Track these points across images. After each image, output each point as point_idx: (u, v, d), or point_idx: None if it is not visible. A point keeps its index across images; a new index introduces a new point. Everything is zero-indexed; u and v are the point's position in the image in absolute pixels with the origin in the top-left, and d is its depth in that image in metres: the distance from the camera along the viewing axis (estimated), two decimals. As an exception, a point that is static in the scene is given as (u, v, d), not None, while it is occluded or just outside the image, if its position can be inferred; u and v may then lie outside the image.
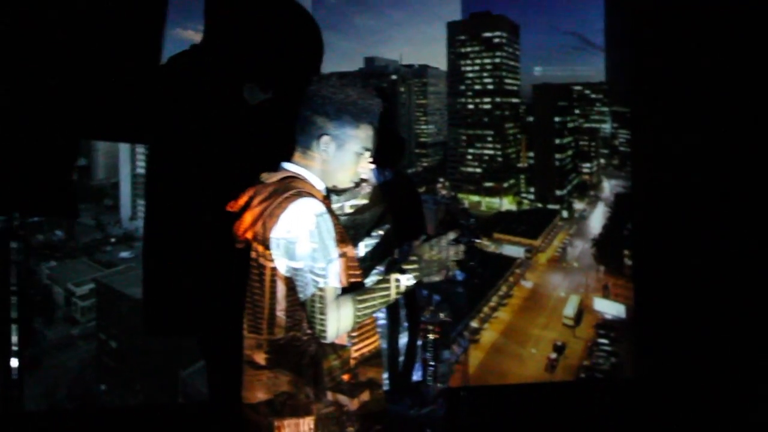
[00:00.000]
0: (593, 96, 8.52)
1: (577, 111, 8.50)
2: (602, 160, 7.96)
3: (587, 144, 8.36)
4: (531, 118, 8.63)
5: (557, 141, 8.40)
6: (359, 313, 1.65)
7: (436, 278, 1.78)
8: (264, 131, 2.51)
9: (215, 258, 2.43)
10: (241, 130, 2.96)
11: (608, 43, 7.23)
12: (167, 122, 2.96)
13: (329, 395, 1.70)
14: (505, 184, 8.83)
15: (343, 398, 1.71)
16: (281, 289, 1.67)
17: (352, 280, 1.73)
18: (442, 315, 1.90)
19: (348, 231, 1.88)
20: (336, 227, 1.69)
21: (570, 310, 7.36)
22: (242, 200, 1.73)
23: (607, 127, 7.93)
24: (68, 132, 2.99)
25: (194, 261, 3.03)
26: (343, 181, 1.78)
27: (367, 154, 1.82)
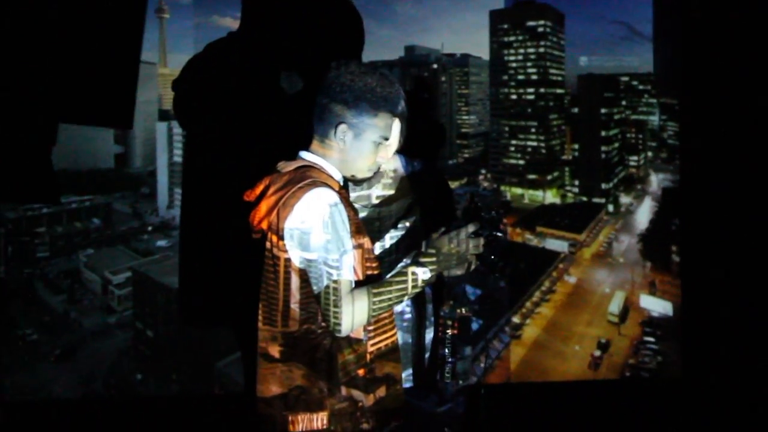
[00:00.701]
0: (641, 87, 8.32)
1: (623, 102, 8.30)
2: (650, 153, 7.77)
3: (634, 136, 8.16)
4: (576, 110, 8.46)
5: (603, 133, 8.22)
6: (375, 307, 1.62)
7: (458, 272, 1.73)
8: (302, 120, 2.48)
9: (252, 248, 2.41)
10: (279, 119, 2.94)
11: (656, 32, 7.03)
12: (204, 110, 2.95)
13: (343, 390, 1.67)
14: (549, 177, 8.68)
15: (357, 393, 1.68)
16: (295, 280, 1.65)
17: (369, 272, 1.69)
18: (463, 310, 1.83)
19: (374, 223, 1.85)
20: (352, 218, 1.67)
21: (615, 306, 7.20)
22: (258, 189, 1.71)
23: (655, 119, 7.73)
24: (45, 116, 2.99)
25: (231, 251, 3.01)
26: (361, 170, 1.76)
27: (386, 143, 1.79)
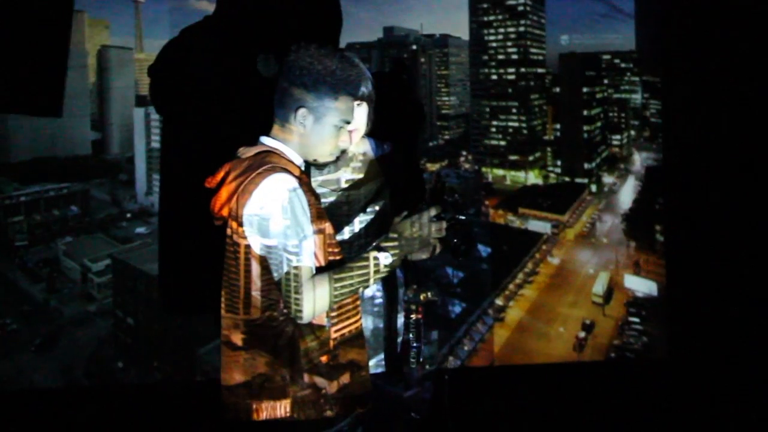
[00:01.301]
0: (623, 65, 8.27)
1: (606, 81, 8.27)
2: (632, 132, 7.74)
3: (617, 115, 8.13)
4: (557, 89, 8.42)
5: (585, 112, 8.19)
6: (336, 293, 1.64)
7: (422, 256, 1.79)
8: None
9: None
10: (255, 102, 2.88)
11: (639, 9, 6.97)
12: (180, 95, 2.89)
13: (306, 377, 1.71)
14: (531, 158, 8.65)
15: (320, 380, 1.71)
16: (255, 267, 1.68)
17: (331, 258, 1.72)
18: (429, 294, 1.84)
19: (342, 206, 1.91)
20: (312, 203, 1.70)
21: (599, 287, 7.21)
22: (219, 176, 1.74)
23: (637, 97, 7.69)
24: None
25: (210, 238, 2.95)
26: (323, 154, 1.79)
27: (348, 126, 1.80)
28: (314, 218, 1.68)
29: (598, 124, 8.84)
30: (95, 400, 4.32)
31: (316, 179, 1.92)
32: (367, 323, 1.96)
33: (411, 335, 1.86)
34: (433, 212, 1.72)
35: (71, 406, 4.17)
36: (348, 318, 1.77)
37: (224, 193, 1.69)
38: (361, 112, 1.93)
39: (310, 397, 1.71)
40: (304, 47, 1.79)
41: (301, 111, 1.73)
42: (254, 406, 1.71)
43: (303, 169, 1.80)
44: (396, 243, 1.70)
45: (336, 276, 1.64)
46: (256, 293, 1.68)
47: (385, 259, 1.67)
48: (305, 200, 1.66)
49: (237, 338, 1.71)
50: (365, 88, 1.80)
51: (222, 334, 1.77)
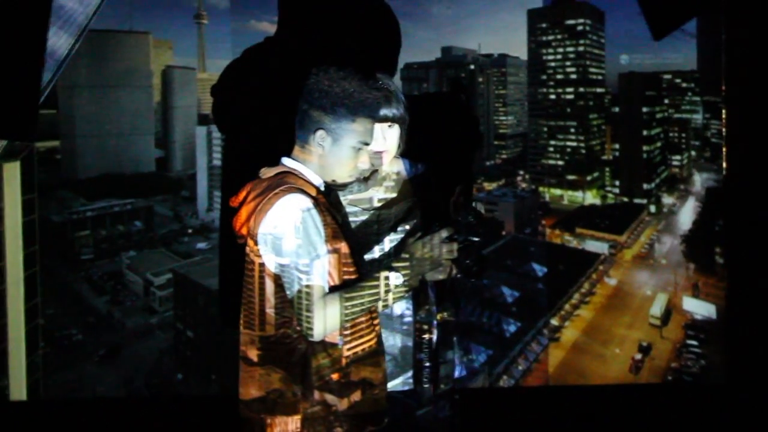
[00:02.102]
0: (684, 85, 8.17)
1: (666, 101, 8.17)
2: (693, 153, 7.62)
3: (677, 135, 8.01)
4: (616, 109, 8.33)
5: (645, 132, 8.09)
6: (347, 312, 1.65)
7: (439, 276, 1.77)
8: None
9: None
10: None
11: (700, 28, 6.89)
12: (242, 114, 2.97)
13: (316, 394, 1.70)
14: (589, 177, 8.57)
15: (330, 398, 1.71)
16: (270, 285, 1.70)
17: (346, 277, 1.72)
18: (445, 314, 1.85)
19: (372, 225, 1.91)
20: (329, 223, 1.70)
21: (657, 309, 7.09)
22: (241, 195, 1.78)
23: (698, 117, 7.58)
24: None
25: None
26: (342, 176, 1.79)
27: (366, 147, 1.81)
28: (329, 238, 1.69)
29: (658, 144, 8.72)
30: (155, 411, 4.41)
31: (346, 198, 1.96)
32: (396, 341, 1.99)
33: (423, 355, 1.87)
34: (444, 233, 1.72)
35: (132, 416, 4.27)
36: (362, 336, 1.76)
37: (244, 212, 1.73)
38: (392, 134, 1.96)
39: (320, 414, 1.72)
40: (323, 70, 1.81)
41: (320, 132, 1.74)
42: (268, 421, 1.72)
43: (322, 189, 1.81)
44: (407, 263, 1.71)
45: (347, 295, 1.65)
46: (270, 310, 1.70)
47: (395, 278, 1.68)
48: (319, 220, 1.68)
49: (253, 354, 1.73)
50: (390, 111, 1.82)
51: (240, 350, 1.77)
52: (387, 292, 1.68)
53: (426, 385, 1.89)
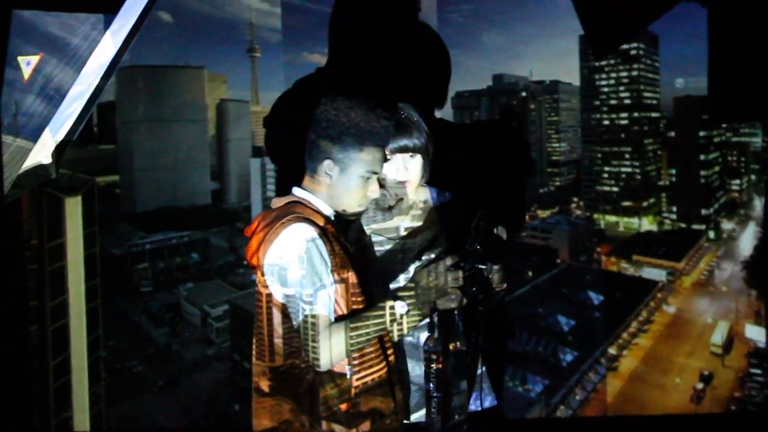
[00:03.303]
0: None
1: (723, 124, 8.00)
2: (753, 177, 7.42)
3: (735, 159, 7.85)
4: (672, 133, 8.22)
5: (702, 157, 7.95)
6: (352, 341, 1.61)
7: (450, 305, 1.73)
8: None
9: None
10: None
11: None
12: (294, 145, 2.99)
13: (324, 425, 1.65)
14: (645, 204, 8.43)
15: (339, 428, 1.66)
16: (277, 315, 1.67)
17: (355, 306, 1.67)
18: (458, 344, 1.82)
19: (396, 254, 1.87)
20: (338, 252, 1.67)
21: (718, 337, 6.90)
22: (253, 226, 1.78)
23: (757, 140, 7.41)
24: None
25: None
26: (351, 205, 1.75)
27: (375, 176, 1.83)
28: (337, 267, 1.66)
29: (716, 168, 8.55)
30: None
31: (370, 227, 1.96)
32: (422, 371, 1.97)
33: (431, 385, 1.85)
34: (449, 261, 1.67)
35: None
36: (371, 366, 1.71)
37: (254, 242, 1.69)
38: (414, 164, 1.95)
39: None
40: (330, 99, 1.78)
41: (327, 162, 1.71)
42: None
43: (332, 219, 1.75)
44: (412, 292, 1.67)
45: (352, 325, 1.62)
46: (278, 341, 1.68)
47: (400, 308, 1.63)
48: (325, 250, 1.64)
49: (264, 385, 1.69)
50: (410, 141, 1.79)
51: (253, 381, 1.71)
52: (393, 321, 1.65)
53: (434, 416, 1.88)
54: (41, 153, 3.14)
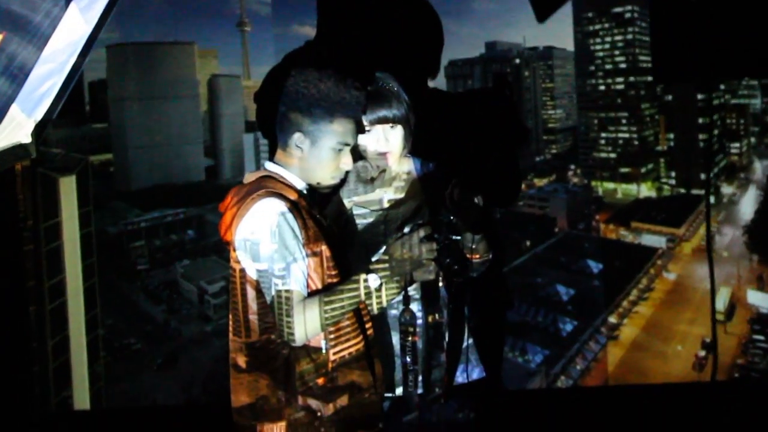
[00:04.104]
0: (740, 69, 7.87)
1: (722, 86, 7.85)
2: (752, 139, 7.30)
3: (735, 122, 7.71)
4: (670, 97, 8.05)
5: (700, 120, 7.80)
6: (326, 315, 1.58)
7: (428, 276, 1.69)
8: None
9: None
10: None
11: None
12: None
13: (300, 400, 1.64)
14: (643, 170, 8.31)
15: (314, 403, 1.65)
16: (250, 291, 1.63)
17: (329, 280, 1.65)
18: (436, 316, 1.78)
19: (379, 226, 1.84)
20: (310, 226, 1.63)
21: (720, 303, 6.82)
22: (226, 201, 1.75)
23: (756, 102, 7.26)
24: None
25: None
26: (324, 178, 1.72)
27: (347, 148, 1.78)
28: (310, 241, 1.63)
29: (715, 131, 8.41)
30: (214, 418, 4.39)
31: (352, 199, 1.91)
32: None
33: (408, 358, 1.82)
34: (422, 233, 1.64)
35: (193, 424, 4.27)
36: (348, 340, 1.70)
37: (227, 217, 1.66)
38: (395, 135, 1.90)
39: (304, 420, 1.65)
40: (300, 72, 1.74)
41: (297, 135, 1.69)
42: (258, 428, 1.66)
43: (305, 192, 1.71)
44: (386, 264, 1.65)
45: (326, 299, 1.60)
46: (253, 317, 1.66)
47: (374, 281, 1.62)
48: (296, 224, 1.61)
49: (241, 361, 1.68)
50: (390, 111, 1.76)
51: (230, 357, 1.71)
52: (368, 294, 1.61)
53: (411, 390, 1.84)
54: (18, 132, 3.07)
